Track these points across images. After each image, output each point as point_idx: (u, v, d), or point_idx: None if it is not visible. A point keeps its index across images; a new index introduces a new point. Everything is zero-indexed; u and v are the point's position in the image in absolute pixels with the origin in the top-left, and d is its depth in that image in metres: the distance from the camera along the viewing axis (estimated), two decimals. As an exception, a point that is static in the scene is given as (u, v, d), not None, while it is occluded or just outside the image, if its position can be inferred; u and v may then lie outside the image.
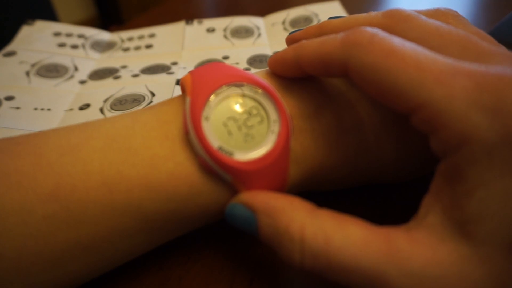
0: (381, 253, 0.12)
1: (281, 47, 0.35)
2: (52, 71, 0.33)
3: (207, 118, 0.15)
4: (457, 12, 0.17)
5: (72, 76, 0.33)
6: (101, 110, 0.28)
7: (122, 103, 0.28)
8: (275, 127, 0.16)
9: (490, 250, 0.11)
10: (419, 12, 0.16)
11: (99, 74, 0.34)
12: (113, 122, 0.16)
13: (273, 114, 0.16)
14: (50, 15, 0.93)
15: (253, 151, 0.15)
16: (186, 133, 0.15)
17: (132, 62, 0.35)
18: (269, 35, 0.37)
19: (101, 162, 0.15)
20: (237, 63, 0.33)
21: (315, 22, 0.37)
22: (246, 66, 0.33)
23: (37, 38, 0.37)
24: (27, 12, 0.84)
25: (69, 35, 0.38)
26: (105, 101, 0.29)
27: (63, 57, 0.35)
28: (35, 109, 0.28)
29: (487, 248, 0.11)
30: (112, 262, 0.16)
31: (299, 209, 0.14)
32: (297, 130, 0.17)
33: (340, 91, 0.18)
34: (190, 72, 0.17)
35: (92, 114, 0.28)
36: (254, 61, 0.33)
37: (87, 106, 0.29)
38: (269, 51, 0.35)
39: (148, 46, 0.38)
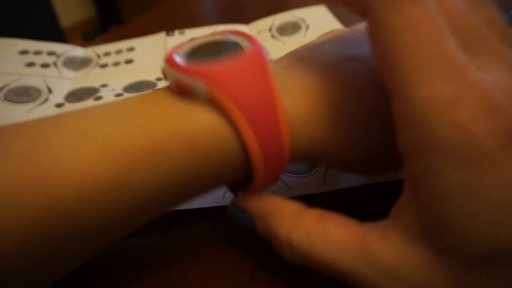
0: (356, 254, 0.13)
1: (271, 55, 0.34)
2: (23, 94, 0.29)
3: (179, 53, 0.15)
4: None
5: (46, 100, 0.29)
6: None
7: None
8: (247, 45, 0.15)
9: (450, 261, 0.12)
10: None
11: (77, 96, 0.30)
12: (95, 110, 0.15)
13: (244, 41, 0.15)
14: (50, 15, 0.93)
15: (224, 60, 0.14)
16: (165, 78, 0.15)
17: (112, 80, 0.32)
18: None
19: (76, 120, 0.14)
20: None
21: (303, 28, 0.37)
22: None
23: (1, 59, 0.33)
24: (27, 12, 0.84)
25: (37, 52, 0.34)
26: None
27: (33, 78, 0.31)
28: None
29: (448, 258, 0.12)
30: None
31: (287, 213, 0.15)
32: (297, 63, 0.16)
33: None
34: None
35: None
36: None
37: None
38: None
39: (128, 61, 0.35)
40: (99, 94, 0.30)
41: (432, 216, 0.12)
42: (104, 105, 0.15)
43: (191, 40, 0.16)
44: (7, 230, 0.12)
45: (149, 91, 0.16)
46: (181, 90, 0.14)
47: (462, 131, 0.11)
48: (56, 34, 0.96)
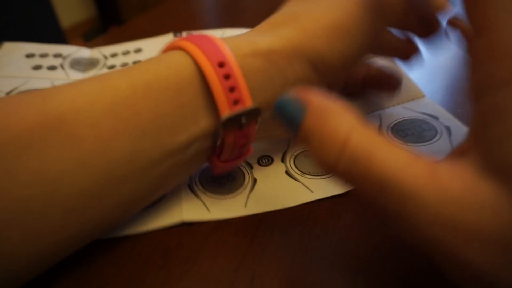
0: (422, 176, 0.12)
1: None
2: None
3: None
4: None
5: None
6: None
7: None
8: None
9: None
10: None
11: None
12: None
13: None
14: (50, 15, 0.93)
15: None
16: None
17: None
18: None
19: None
20: None
21: None
22: None
23: (8, 62, 0.33)
24: (27, 12, 0.84)
25: (44, 55, 0.34)
26: None
27: (41, 81, 0.31)
28: None
29: None
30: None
31: (351, 116, 0.14)
32: None
33: None
34: None
35: None
36: None
37: None
38: None
39: (136, 63, 0.35)
40: None
41: (506, 150, 0.11)
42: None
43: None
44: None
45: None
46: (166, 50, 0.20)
47: None
48: (56, 34, 0.96)
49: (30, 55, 0.34)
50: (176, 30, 0.39)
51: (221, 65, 0.17)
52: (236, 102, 0.17)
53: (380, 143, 0.13)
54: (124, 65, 0.34)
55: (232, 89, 0.17)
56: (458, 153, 0.13)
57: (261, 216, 0.20)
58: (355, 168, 0.13)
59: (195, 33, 0.38)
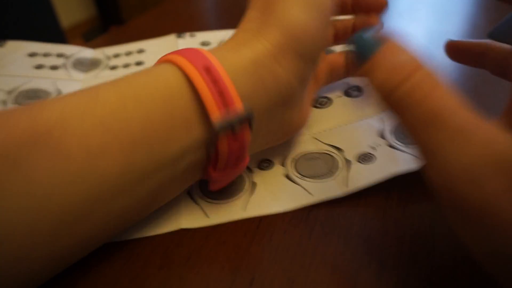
0: (475, 121, 0.13)
1: None
2: (33, 97, 0.29)
3: None
4: None
5: None
6: None
7: None
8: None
9: None
10: None
11: None
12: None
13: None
14: (50, 15, 0.93)
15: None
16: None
17: None
18: None
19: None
20: None
21: None
22: None
23: (10, 61, 0.33)
24: (27, 12, 0.84)
25: (46, 55, 0.34)
26: None
27: (43, 81, 0.31)
28: None
29: None
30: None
31: (422, 62, 0.15)
32: None
33: None
34: None
35: None
36: None
37: None
38: None
39: (139, 63, 0.34)
40: None
41: None
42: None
43: None
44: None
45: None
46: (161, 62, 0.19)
47: None
48: (56, 34, 0.96)
49: (32, 54, 0.34)
50: (176, 30, 0.39)
51: (208, 71, 0.17)
52: (226, 105, 0.17)
53: (442, 86, 0.14)
54: (127, 65, 0.34)
55: (221, 93, 0.17)
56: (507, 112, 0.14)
57: (261, 216, 0.20)
58: (413, 97, 0.14)
59: (197, 33, 0.39)
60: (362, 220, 0.20)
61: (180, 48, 0.37)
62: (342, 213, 0.20)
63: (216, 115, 0.17)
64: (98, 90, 0.17)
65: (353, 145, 0.24)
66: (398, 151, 0.23)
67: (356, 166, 0.22)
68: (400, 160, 0.22)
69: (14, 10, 0.80)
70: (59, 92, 0.31)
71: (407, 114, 0.14)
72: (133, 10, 1.82)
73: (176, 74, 0.18)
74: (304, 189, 0.22)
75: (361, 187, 0.21)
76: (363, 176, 0.21)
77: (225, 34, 0.38)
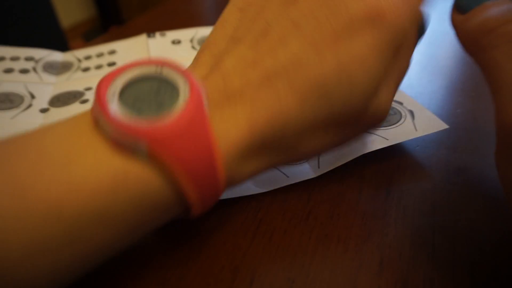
0: None
1: None
2: (5, 101, 0.29)
3: (112, 99, 0.14)
4: None
5: (30, 105, 0.29)
6: None
7: None
8: (186, 95, 0.15)
9: None
10: None
11: (62, 100, 0.30)
12: (21, 135, 0.15)
13: (182, 83, 0.15)
14: (50, 15, 0.93)
15: (164, 117, 0.14)
16: (96, 123, 0.14)
17: (96, 82, 0.32)
18: None
19: (12, 169, 0.13)
20: None
21: None
22: None
23: None
24: (27, 12, 0.84)
25: (15, 58, 0.34)
26: None
27: (14, 84, 0.31)
28: None
29: None
30: None
31: None
32: (228, 70, 0.16)
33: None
34: None
35: None
36: None
37: None
38: None
39: (111, 64, 0.34)
40: (84, 97, 0.30)
41: None
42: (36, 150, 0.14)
43: (122, 69, 0.15)
44: None
45: (75, 120, 0.15)
46: (115, 142, 0.14)
47: None
48: (56, 34, 0.95)
49: (0, 58, 0.33)
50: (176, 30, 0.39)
51: (207, 173, 0.15)
52: (211, 194, 0.16)
53: None
54: (99, 67, 0.34)
55: (210, 186, 0.15)
56: None
57: (261, 216, 0.20)
58: (486, 25, 0.16)
59: (167, 32, 0.38)
60: (362, 220, 0.20)
61: (151, 48, 0.36)
62: (342, 213, 0.20)
63: (199, 208, 0.16)
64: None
65: None
66: (366, 134, 0.24)
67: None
68: (368, 142, 0.24)
69: (14, 10, 0.80)
70: (31, 95, 0.30)
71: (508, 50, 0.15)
72: (133, 10, 1.82)
73: (162, 187, 0.15)
74: (281, 172, 0.23)
75: (332, 167, 0.23)
76: (333, 158, 0.23)
77: (195, 32, 0.38)
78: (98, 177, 0.14)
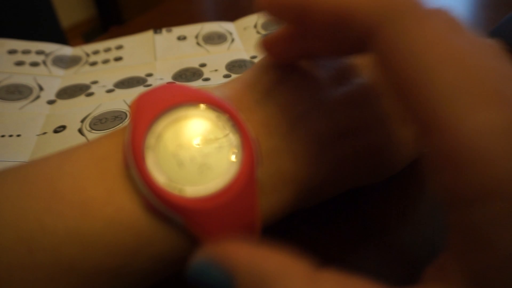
0: None
1: (257, 51, 0.35)
2: (14, 92, 0.30)
3: (151, 148, 0.12)
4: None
5: (38, 97, 0.30)
6: (80, 131, 0.26)
7: (103, 122, 0.26)
8: (237, 154, 0.13)
9: None
10: None
11: (69, 92, 0.31)
12: (35, 164, 0.13)
13: (234, 139, 0.13)
14: (50, 15, 0.93)
15: (209, 185, 0.12)
16: (127, 168, 0.13)
17: (102, 76, 0.33)
18: (243, 39, 0.37)
19: (16, 212, 0.12)
20: (216, 70, 0.32)
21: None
22: (226, 72, 0.32)
23: None
24: (27, 12, 0.84)
25: (26, 52, 0.35)
26: (82, 121, 0.27)
27: (24, 77, 0.32)
28: (2, 136, 0.26)
29: None
30: None
31: (296, 273, 0.11)
32: (273, 151, 0.14)
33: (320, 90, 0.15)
34: (138, 95, 0.14)
35: (70, 137, 0.26)
36: (233, 66, 0.33)
37: (62, 128, 0.27)
38: (245, 56, 0.34)
39: (118, 59, 0.35)
40: (90, 91, 0.31)
41: (503, 276, 0.09)
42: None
43: (163, 107, 0.13)
44: None
45: (100, 156, 0.13)
46: (150, 208, 0.12)
47: None
48: (56, 34, 0.95)
49: (12, 51, 0.34)
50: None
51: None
52: None
53: None
54: (106, 61, 0.35)
55: None
56: (436, 274, 0.11)
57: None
58: None
59: (173, 28, 0.38)
60: (362, 220, 0.20)
61: (157, 44, 0.36)
62: (342, 213, 0.20)
63: None
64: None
65: None
66: None
67: None
68: None
69: (14, 10, 0.80)
70: (40, 87, 0.31)
71: None
72: (133, 10, 1.82)
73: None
74: None
75: None
76: None
77: (200, 28, 0.38)
78: (117, 233, 0.12)
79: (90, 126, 0.26)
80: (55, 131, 0.27)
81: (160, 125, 0.13)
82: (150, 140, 0.13)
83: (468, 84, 0.09)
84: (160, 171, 0.12)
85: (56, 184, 0.12)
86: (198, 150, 0.13)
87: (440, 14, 0.10)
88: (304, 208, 0.18)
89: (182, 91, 0.13)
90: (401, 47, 0.10)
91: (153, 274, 0.14)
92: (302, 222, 0.20)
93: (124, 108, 0.28)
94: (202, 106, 0.13)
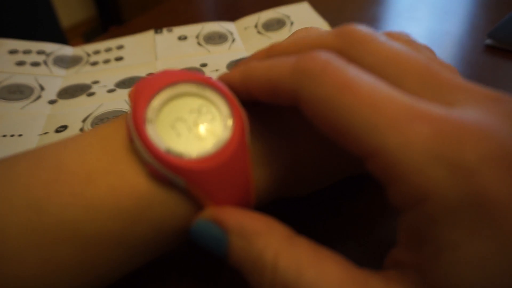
0: None
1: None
2: (15, 92, 0.30)
3: (151, 121, 0.14)
4: (409, 36, 0.16)
5: (39, 97, 0.30)
6: (82, 131, 0.26)
7: (104, 121, 0.27)
8: (228, 123, 0.15)
9: None
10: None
11: (70, 92, 0.31)
12: (44, 146, 0.15)
13: (225, 110, 0.15)
14: (50, 15, 0.93)
15: (206, 150, 0.14)
16: (131, 141, 0.14)
17: (103, 76, 0.33)
18: (243, 39, 0.37)
19: (24, 181, 0.13)
20: (216, 70, 0.32)
21: (288, 24, 0.37)
22: (227, 72, 0.32)
23: None
24: (27, 12, 0.84)
25: (27, 52, 0.35)
26: (83, 120, 0.27)
27: (25, 77, 0.32)
28: (4, 136, 0.26)
29: None
30: None
31: (276, 233, 0.13)
32: (259, 130, 0.16)
33: None
34: (136, 82, 0.15)
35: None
36: (234, 66, 0.33)
37: (64, 128, 0.27)
38: (246, 56, 0.34)
39: (118, 59, 0.35)
40: (91, 91, 0.31)
41: (441, 269, 0.10)
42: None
43: (163, 83, 0.15)
44: None
45: (100, 133, 0.15)
46: (154, 174, 0.14)
47: (451, 168, 0.10)
48: (56, 34, 0.96)
49: (13, 51, 0.34)
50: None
51: None
52: None
53: (308, 262, 0.12)
54: (107, 61, 0.35)
55: None
56: (392, 263, 0.12)
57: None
58: None
59: (174, 28, 0.38)
60: (363, 220, 0.20)
61: (158, 44, 0.36)
62: (343, 213, 0.20)
63: None
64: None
65: None
66: None
67: None
68: None
69: (14, 10, 0.80)
70: (41, 87, 0.31)
71: None
72: (133, 10, 1.82)
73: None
74: None
75: None
76: None
77: (201, 27, 0.38)
78: (119, 198, 0.13)
79: (91, 126, 0.26)
80: (57, 131, 0.27)
81: (158, 101, 0.14)
82: (150, 114, 0.14)
83: (380, 113, 0.11)
84: (161, 141, 0.14)
85: (62, 158, 0.14)
86: (194, 121, 0.14)
87: (333, 66, 0.12)
88: (295, 196, 0.18)
89: (175, 73, 0.15)
90: (319, 103, 0.12)
91: (153, 244, 0.14)
92: (286, 216, 0.20)
93: (125, 108, 0.28)
94: (195, 83, 0.15)
